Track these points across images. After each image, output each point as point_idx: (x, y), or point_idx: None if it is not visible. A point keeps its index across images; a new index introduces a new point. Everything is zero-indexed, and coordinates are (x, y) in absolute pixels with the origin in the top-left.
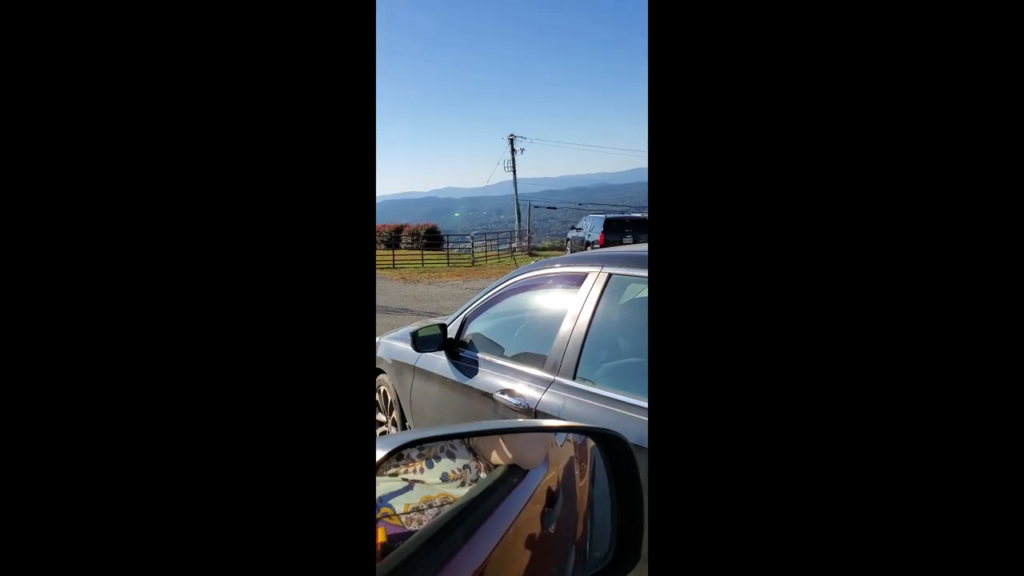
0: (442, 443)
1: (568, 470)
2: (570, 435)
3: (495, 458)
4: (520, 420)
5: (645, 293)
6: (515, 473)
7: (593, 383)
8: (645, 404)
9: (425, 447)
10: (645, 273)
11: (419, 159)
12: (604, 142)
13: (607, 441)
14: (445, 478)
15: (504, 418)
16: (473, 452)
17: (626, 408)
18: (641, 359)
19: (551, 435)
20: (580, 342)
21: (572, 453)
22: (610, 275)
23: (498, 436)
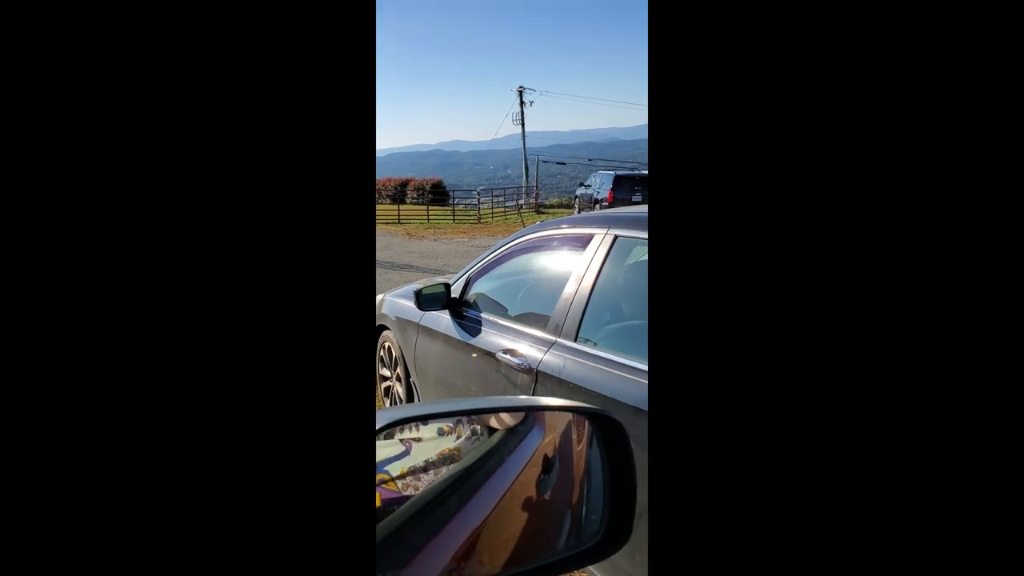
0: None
1: (565, 436)
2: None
3: (492, 422)
4: (514, 398)
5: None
6: (511, 438)
7: (595, 345)
8: (645, 367)
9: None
10: None
11: (426, 112)
12: (616, 96)
13: (601, 422)
14: (441, 432)
15: (507, 377)
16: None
17: (626, 371)
18: (643, 322)
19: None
20: (583, 304)
21: (570, 418)
22: (616, 237)
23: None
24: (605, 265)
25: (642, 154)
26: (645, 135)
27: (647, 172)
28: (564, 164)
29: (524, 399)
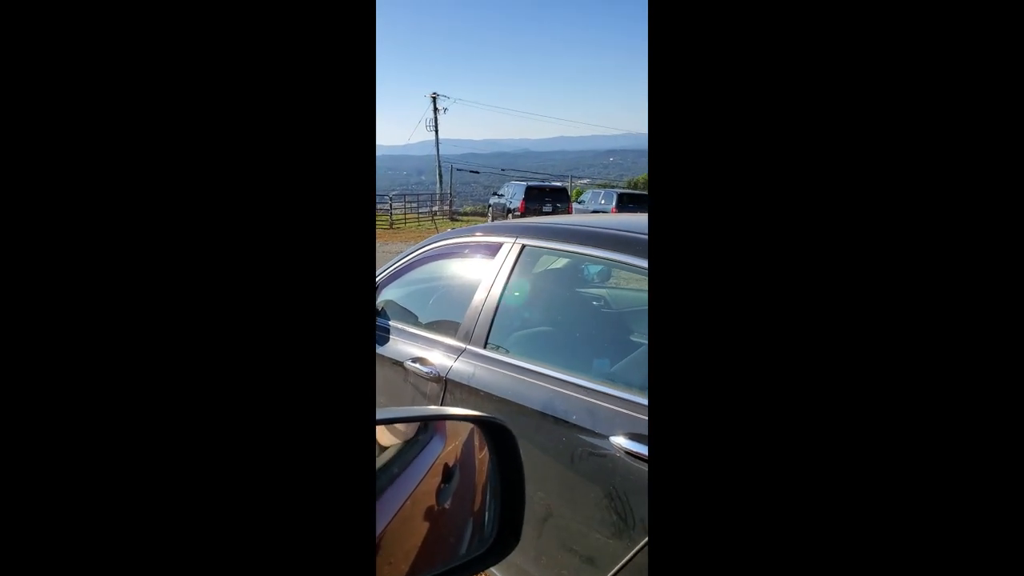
0: None
1: (468, 445)
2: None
3: (389, 438)
4: (415, 408)
5: (557, 264)
6: (411, 450)
7: (503, 351)
8: (551, 372)
9: None
10: (558, 245)
11: None
12: (528, 107)
13: (491, 429)
14: None
15: (415, 386)
16: None
17: (533, 376)
18: (550, 328)
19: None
20: (492, 311)
21: (471, 426)
22: (524, 246)
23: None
24: (513, 273)
25: (553, 165)
26: (556, 147)
27: (557, 184)
28: (478, 173)
29: (422, 409)
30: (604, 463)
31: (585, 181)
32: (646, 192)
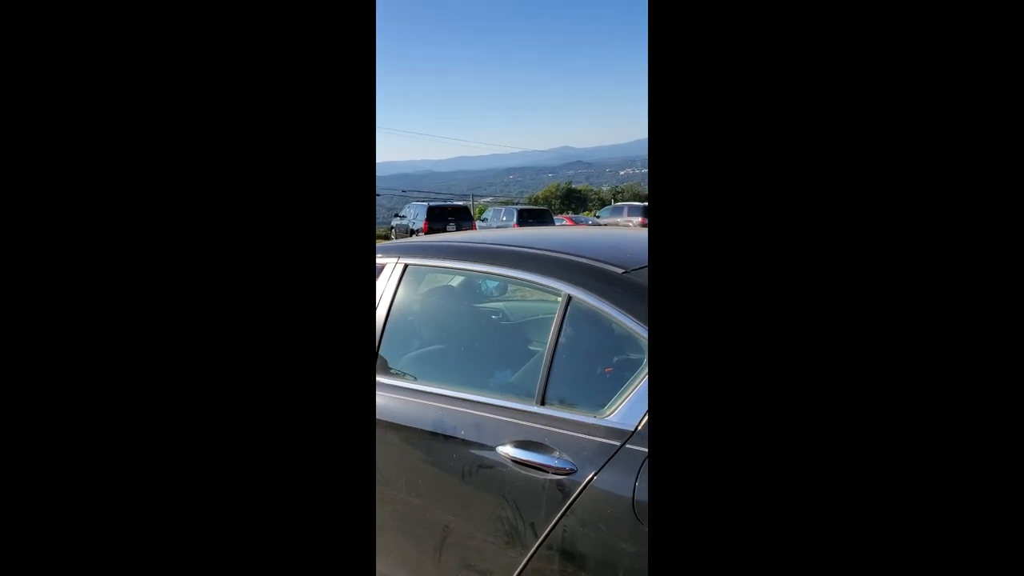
0: None
1: None
2: None
3: None
4: None
5: (445, 283)
6: None
7: (393, 374)
8: (440, 391)
9: None
10: (440, 263)
11: None
12: (428, 129)
13: None
14: None
15: None
16: None
17: (423, 396)
18: (444, 346)
19: None
20: (379, 334)
21: None
22: (406, 265)
23: None
24: (398, 293)
25: (455, 185)
26: (458, 167)
27: (459, 203)
28: (380, 195)
29: None
30: (493, 474)
31: (488, 199)
32: (545, 207)
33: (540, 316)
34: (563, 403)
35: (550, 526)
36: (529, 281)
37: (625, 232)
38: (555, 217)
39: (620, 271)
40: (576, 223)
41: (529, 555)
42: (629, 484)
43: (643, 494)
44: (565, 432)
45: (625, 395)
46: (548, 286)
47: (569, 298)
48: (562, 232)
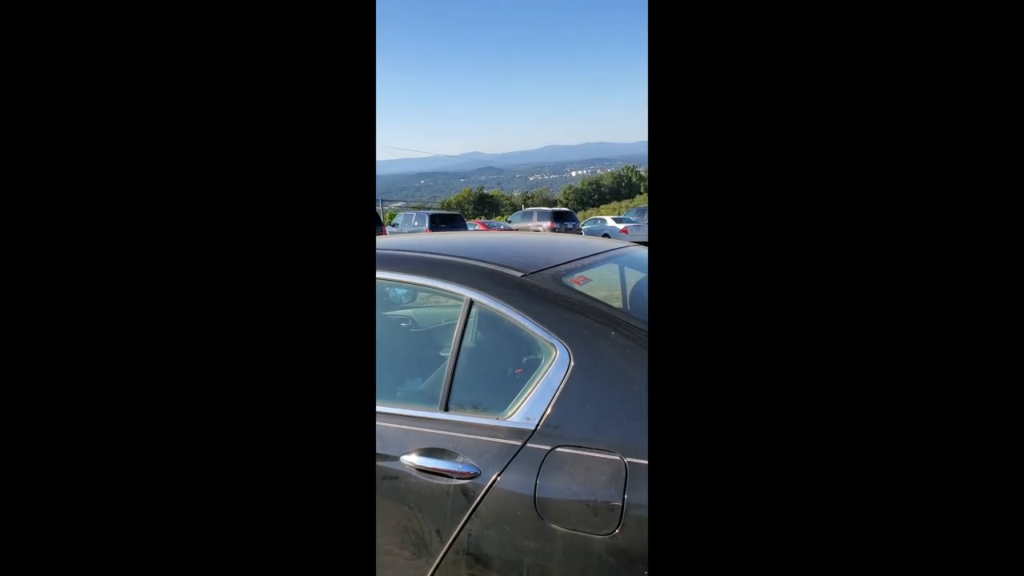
0: None
1: None
2: None
3: None
4: None
5: None
6: None
7: None
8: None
9: None
10: None
11: None
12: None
13: None
14: None
15: None
16: None
17: None
18: None
19: None
20: None
21: None
22: None
23: None
24: None
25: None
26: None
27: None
28: None
29: None
30: (398, 484)
31: (399, 204)
32: (458, 212)
33: (447, 322)
34: (466, 407)
35: (456, 531)
36: (433, 287)
37: (527, 236)
38: (468, 222)
39: (519, 274)
40: (489, 228)
41: (436, 563)
42: (531, 483)
43: (544, 491)
44: (468, 436)
45: (525, 395)
46: (451, 291)
47: (471, 302)
48: (465, 237)
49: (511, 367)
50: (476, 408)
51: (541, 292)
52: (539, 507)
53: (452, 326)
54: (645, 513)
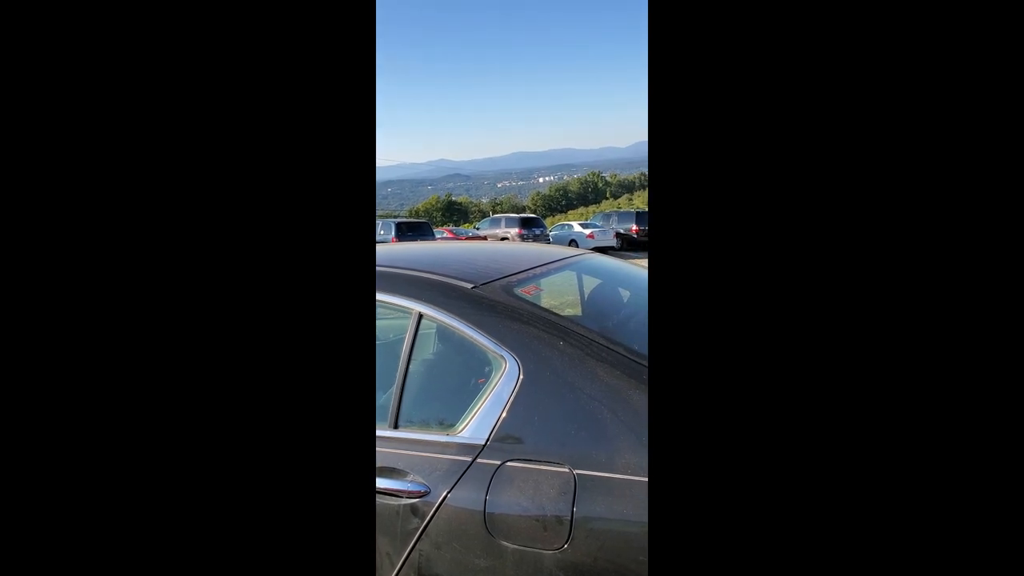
0: None
1: None
2: None
3: None
4: None
5: None
6: None
7: None
8: None
9: None
10: None
11: None
12: None
13: None
14: None
15: None
16: None
17: None
18: None
19: None
20: None
21: None
22: None
23: None
24: None
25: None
26: None
27: None
28: None
29: None
30: None
31: None
32: (425, 220)
33: (395, 336)
34: (416, 424)
35: (406, 552)
36: (381, 301)
37: (484, 246)
38: (436, 230)
39: (469, 286)
40: (457, 236)
41: None
42: (480, 499)
43: (494, 507)
44: (418, 454)
45: (475, 410)
46: (399, 305)
47: (420, 316)
48: (415, 248)
49: (462, 381)
50: (426, 424)
51: (491, 304)
52: (489, 524)
53: (401, 341)
54: (594, 526)
